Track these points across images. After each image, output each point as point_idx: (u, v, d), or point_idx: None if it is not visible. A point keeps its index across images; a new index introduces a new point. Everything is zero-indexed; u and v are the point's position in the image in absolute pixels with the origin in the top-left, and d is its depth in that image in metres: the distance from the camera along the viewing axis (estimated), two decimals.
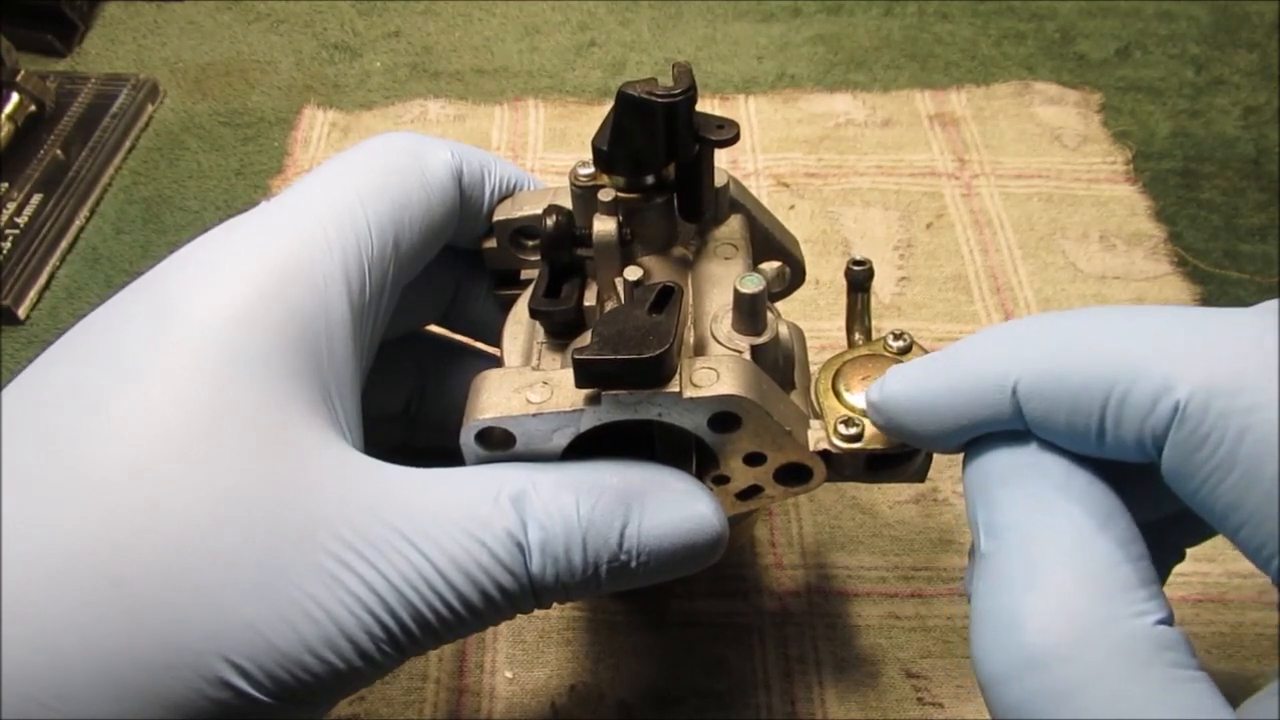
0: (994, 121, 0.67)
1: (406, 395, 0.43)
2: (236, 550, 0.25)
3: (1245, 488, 0.22)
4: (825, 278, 0.57)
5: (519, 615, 0.29)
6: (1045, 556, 0.24)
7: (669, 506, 0.30)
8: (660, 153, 0.33)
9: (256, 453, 0.26)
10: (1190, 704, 0.22)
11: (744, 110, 0.68)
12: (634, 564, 0.29)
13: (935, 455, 0.33)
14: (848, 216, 0.61)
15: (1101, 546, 0.24)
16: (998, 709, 0.24)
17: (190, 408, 0.26)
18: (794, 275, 0.41)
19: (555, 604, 0.30)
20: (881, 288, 0.57)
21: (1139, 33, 0.73)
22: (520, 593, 0.28)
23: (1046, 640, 0.23)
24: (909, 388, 0.28)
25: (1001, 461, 0.27)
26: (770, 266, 0.39)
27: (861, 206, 0.62)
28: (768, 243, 0.39)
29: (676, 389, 0.28)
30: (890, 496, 0.48)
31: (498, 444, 0.30)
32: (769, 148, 0.65)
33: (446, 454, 0.48)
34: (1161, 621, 0.23)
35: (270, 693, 0.25)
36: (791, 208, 0.61)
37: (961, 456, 0.29)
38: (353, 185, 0.33)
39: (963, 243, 0.60)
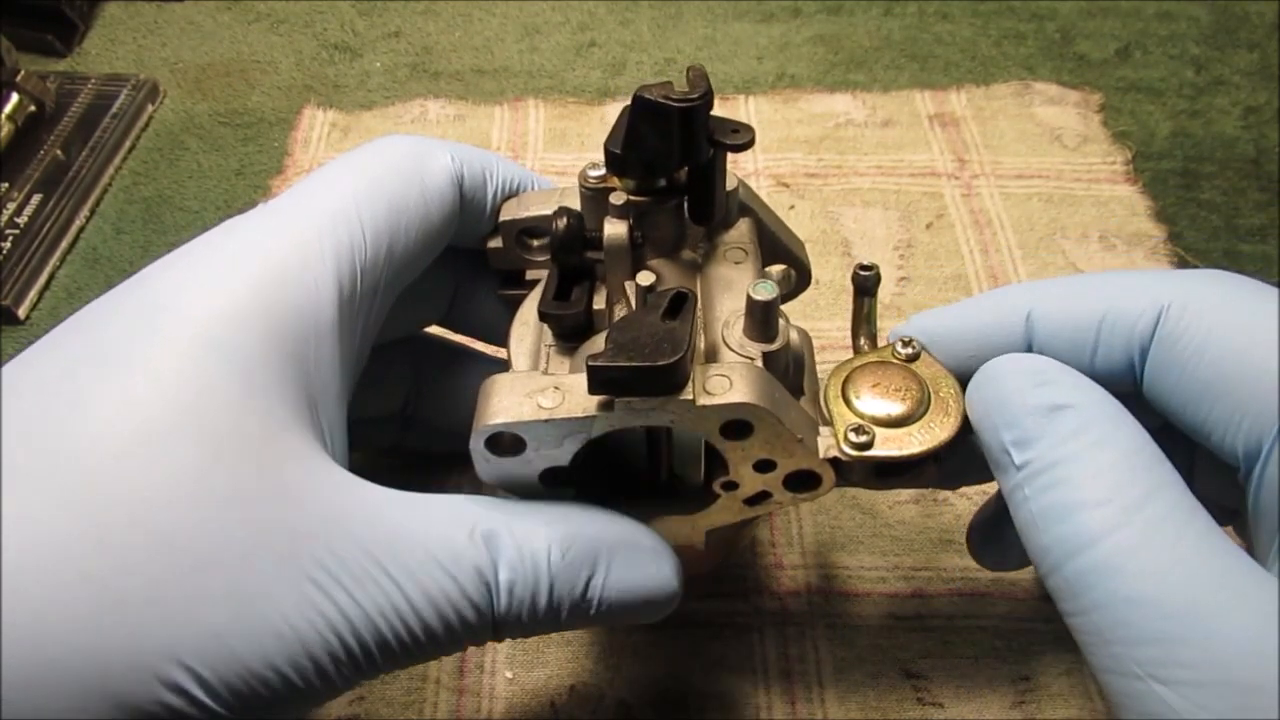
0: (994, 121, 0.67)
1: (403, 397, 0.43)
2: (209, 555, 0.25)
3: (1217, 362, 0.27)
4: (825, 278, 0.57)
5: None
6: (1080, 449, 0.27)
7: (635, 564, 0.31)
8: (674, 156, 0.33)
9: (237, 458, 0.26)
10: (1229, 558, 0.24)
11: (744, 110, 0.68)
12: (593, 612, 0.30)
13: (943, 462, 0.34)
14: (848, 217, 0.61)
15: (1128, 430, 0.27)
16: (1061, 592, 0.26)
17: (174, 405, 0.26)
18: (799, 279, 0.41)
19: (509, 639, 0.30)
20: (881, 288, 0.57)
21: (1139, 33, 0.73)
22: (480, 627, 0.28)
23: (1094, 522, 0.25)
24: (935, 317, 0.33)
25: (1017, 380, 0.29)
26: (776, 270, 0.39)
27: (861, 206, 0.62)
28: (774, 246, 0.39)
29: (690, 396, 0.28)
30: (890, 497, 0.48)
31: (508, 449, 0.30)
32: (769, 148, 0.65)
33: (440, 456, 0.48)
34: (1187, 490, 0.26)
35: (224, 703, 0.25)
36: (791, 208, 0.61)
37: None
38: (350, 189, 0.33)
39: (963, 243, 0.60)
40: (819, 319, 0.55)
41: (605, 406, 0.29)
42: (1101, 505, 0.25)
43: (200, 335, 0.27)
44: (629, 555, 0.31)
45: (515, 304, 0.37)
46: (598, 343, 0.30)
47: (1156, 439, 0.27)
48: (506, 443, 0.30)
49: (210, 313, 0.28)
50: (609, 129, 0.33)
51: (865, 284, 0.36)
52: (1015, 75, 0.70)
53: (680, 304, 0.29)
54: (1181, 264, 0.58)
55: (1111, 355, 0.30)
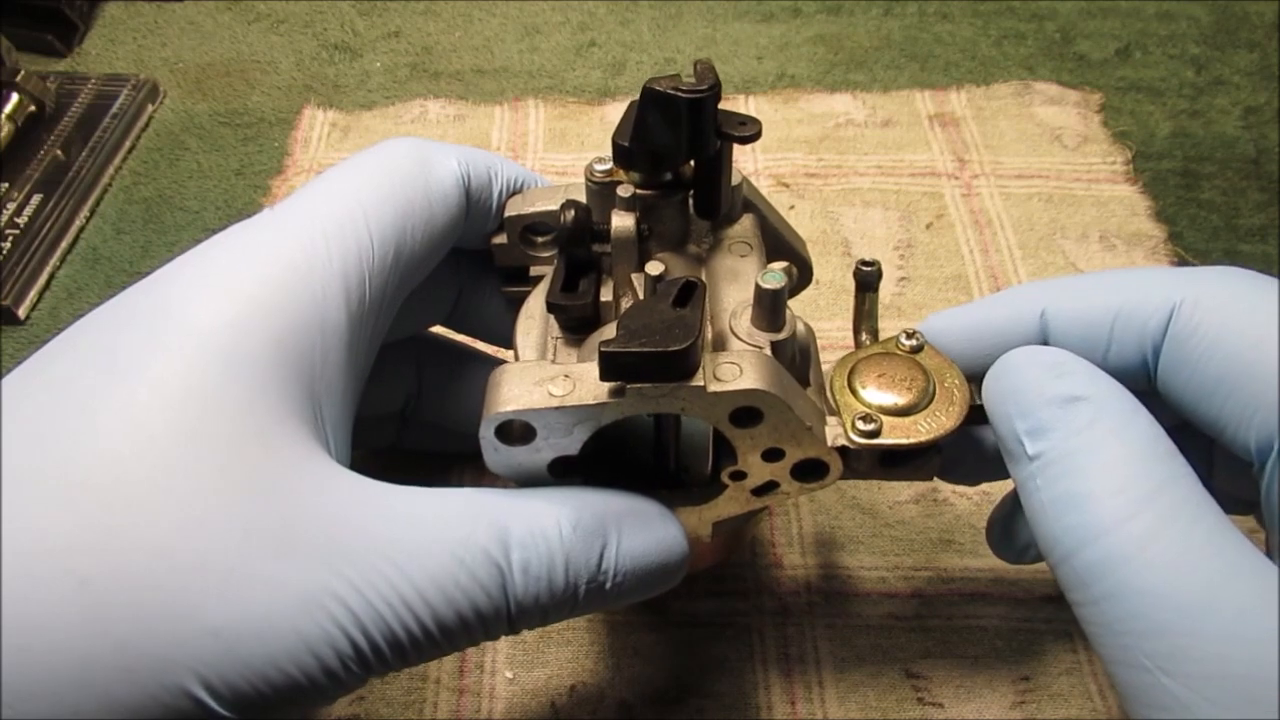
0: (994, 121, 0.67)
1: (404, 396, 0.43)
2: (208, 556, 0.25)
3: (1227, 359, 0.28)
4: (825, 278, 0.57)
5: (484, 642, 0.29)
6: (1094, 441, 0.27)
7: (644, 528, 0.31)
8: (681, 149, 0.33)
9: (237, 461, 0.26)
10: (1239, 552, 0.24)
11: (744, 110, 0.68)
12: (609, 585, 0.30)
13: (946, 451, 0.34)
14: (848, 217, 0.61)
15: (1142, 423, 0.27)
16: (1070, 583, 0.26)
17: (176, 412, 0.26)
18: (801, 275, 0.41)
19: (525, 630, 0.29)
20: (881, 288, 0.57)
21: (1139, 33, 0.73)
22: (494, 616, 0.28)
23: (1105, 513, 0.26)
24: (950, 317, 0.34)
25: (1034, 371, 0.29)
26: (778, 266, 0.39)
27: (861, 206, 0.62)
28: (776, 243, 0.39)
29: (701, 383, 0.28)
30: (890, 497, 0.48)
31: (517, 438, 0.30)
32: (769, 148, 0.65)
33: (440, 456, 0.48)
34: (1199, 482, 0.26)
35: (227, 704, 0.24)
36: (791, 208, 0.61)
37: None
38: (356, 194, 0.32)
39: (963, 243, 0.60)
40: (820, 319, 0.56)
41: (616, 393, 0.29)
42: (1113, 496, 0.26)
43: (205, 343, 0.27)
44: (637, 521, 0.31)
45: (518, 302, 0.37)
46: (605, 334, 0.30)
47: (1176, 435, 0.27)
48: (516, 431, 0.30)
49: (215, 321, 0.28)
50: (609, 129, 0.34)
51: (867, 279, 0.36)
52: (1015, 75, 0.70)
53: (690, 292, 0.29)
54: (1181, 264, 0.58)
55: (1124, 352, 0.30)
